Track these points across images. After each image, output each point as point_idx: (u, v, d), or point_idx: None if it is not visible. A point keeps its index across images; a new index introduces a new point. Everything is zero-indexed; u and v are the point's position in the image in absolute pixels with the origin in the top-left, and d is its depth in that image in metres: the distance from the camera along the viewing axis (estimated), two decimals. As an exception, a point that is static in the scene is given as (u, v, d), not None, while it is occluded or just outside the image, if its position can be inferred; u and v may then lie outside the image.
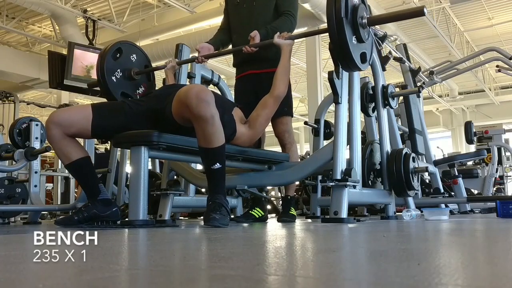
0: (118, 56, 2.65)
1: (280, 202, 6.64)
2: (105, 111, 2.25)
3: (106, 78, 2.56)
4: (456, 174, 4.43)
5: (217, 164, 2.12)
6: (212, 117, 2.06)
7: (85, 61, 5.45)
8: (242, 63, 3.04)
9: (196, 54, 2.91)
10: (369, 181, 2.95)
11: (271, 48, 2.78)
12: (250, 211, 3.05)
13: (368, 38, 2.17)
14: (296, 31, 3.00)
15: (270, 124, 2.89)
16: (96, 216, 2.22)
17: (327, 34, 2.04)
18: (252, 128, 2.50)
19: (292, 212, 3.09)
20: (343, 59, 2.11)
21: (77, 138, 2.30)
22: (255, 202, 3.12)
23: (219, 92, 3.49)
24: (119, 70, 2.63)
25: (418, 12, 2.02)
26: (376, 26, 2.44)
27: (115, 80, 2.60)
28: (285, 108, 2.94)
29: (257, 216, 3.03)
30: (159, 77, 2.89)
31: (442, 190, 4.00)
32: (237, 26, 3.03)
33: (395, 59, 3.84)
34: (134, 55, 2.73)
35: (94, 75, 4.09)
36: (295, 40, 2.74)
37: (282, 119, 2.99)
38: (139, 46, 2.92)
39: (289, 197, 3.15)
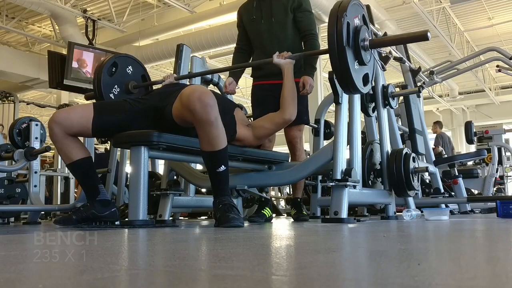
0: (114, 70, 2.61)
1: (281, 202, 6.69)
2: (106, 110, 2.26)
3: (104, 96, 2.54)
4: (456, 174, 4.43)
5: (222, 166, 2.12)
6: (216, 120, 2.06)
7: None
8: (263, 76, 3.06)
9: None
10: (369, 181, 2.95)
11: (297, 61, 2.83)
12: (262, 211, 3.10)
13: (370, 59, 2.14)
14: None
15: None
16: (94, 216, 2.22)
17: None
18: (254, 135, 2.52)
19: (304, 212, 3.28)
20: (344, 84, 2.09)
21: (80, 138, 2.31)
22: (264, 202, 3.18)
23: (219, 92, 3.49)
24: (116, 86, 2.60)
25: (421, 37, 2.01)
26: (376, 26, 2.43)
27: (113, 97, 2.59)
28: (305, 116, 3.08)
29: (267, 216, 3.11)
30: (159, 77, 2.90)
31: (442, 190, 4.00)
32: (258, 42, 3.06)
33: (395, 59, 3.83)
34: (130, 67, 2.70)
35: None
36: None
37: (300, 126, 3.11)
38: (134, 56, 2.87)
39: (299, 199, 3.31)
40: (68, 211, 3.50)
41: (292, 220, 3.30)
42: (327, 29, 1.99)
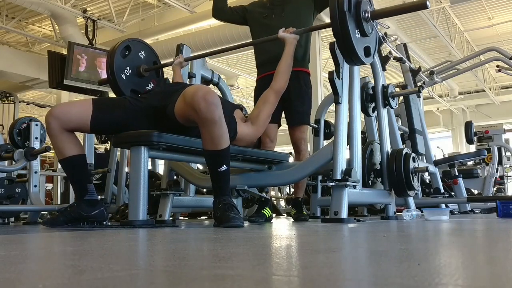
0: (127, 53, 2.67)
1: (281, 202, 6.69)
2: (105, 106, 2.25)
3: (116, 76, 2.57)
4: (456, 174, 4.43)
5: (224, 166, 2.12)
6: (220, 119, 2.06)
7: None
8: (267, 62, 3.09)
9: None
10: (369, 181, 2.95)
11: (299, 48, 2.90)
12: (262, 211, 3.12)
13: (372, 32, 2.18)
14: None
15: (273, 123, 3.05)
16: (81, 216, 2.19)
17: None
18: (254, 125, 2.51)
19: (304, 212, 3.30)
20: (346, 52, 2.12)
21: (78, 136, 2.30)
22: (264, 202, 3.21)
23: (219, 93, 3.49)
24: (128, 67, 2.65)
25: (420, 5, 2.07)
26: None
27: (124, 78, 2.62)
28: (306, 117, 3.15)
29: (267, 216, 3.13)
30: (168, 74, 2.92)
31: (442, 190, 4.00)
32: (267, 33, 3.00)
33: (395, 59, 3.84)
34: (142, 52, 2.74)
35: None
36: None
37: (301, 127, 3.15)
38: (147, 42, 2.92)
39: (300, 199, 3.33)
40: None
41: (292, 220, 3.30)
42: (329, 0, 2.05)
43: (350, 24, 2.01)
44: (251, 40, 3.18)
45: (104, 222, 2.31)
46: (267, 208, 3.16)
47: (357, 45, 2.06)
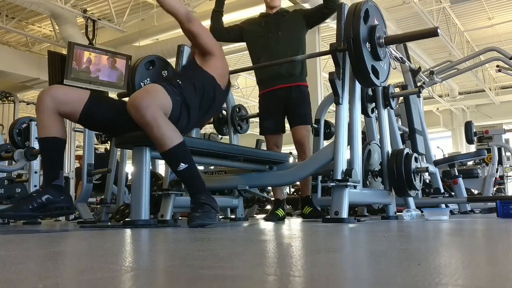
0: (150, 68, 2.76)
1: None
2: (101, 100, 2.27)
3: (135, 81, 2.65)
4: (456, 174, 4.43)
5: (181, 164, 2.04)
6: (154, 120, 1.98)
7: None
8: (268, 79, 3.33)
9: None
10: (367, 182, 2.95)
11: (297, 64, 3.24)
12: (276, 211, 3.35)
13: (385, 56, 2.36)
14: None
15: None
16: (50, 201, 2.07)
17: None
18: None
19: (318, 208, 3.46)
20: (360, 75, 2.30)
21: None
22: (277, 203, 3.41)
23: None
24: (148, 79, 2.73)
25: (432, 33, 2.26)
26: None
27: (143, 85, 2.66)
28: (309, 118, 3.35)
29: (280, 216, 3.33)
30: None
31: (442, 190, 3.99)
32: (265, 51, 3.30)
33: (395, 59, 3.83)
34: (165, 72, 2.81)
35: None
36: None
37: (306, 126, 3.33)
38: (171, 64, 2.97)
39: (309, 196, 3.46)
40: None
41: (287, 220, 3.36)
42: (345, 24, 2.20)
43: (365, 49, 2.16)
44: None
45: (71, 214, 2.27)
46: (280, 209, 3.34)
47: (371, 68, 2.22)
